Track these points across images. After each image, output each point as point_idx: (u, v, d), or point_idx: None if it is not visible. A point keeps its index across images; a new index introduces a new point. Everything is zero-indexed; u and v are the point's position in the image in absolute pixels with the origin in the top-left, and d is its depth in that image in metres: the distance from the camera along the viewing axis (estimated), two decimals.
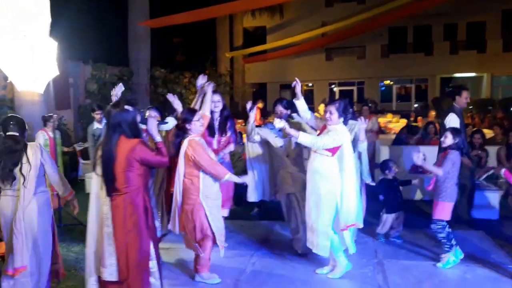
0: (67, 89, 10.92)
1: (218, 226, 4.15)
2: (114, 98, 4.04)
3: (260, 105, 13.92)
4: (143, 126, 3.63)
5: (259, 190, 5.09)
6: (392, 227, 5.34)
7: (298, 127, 4.72)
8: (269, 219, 6.31)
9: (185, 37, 23.54)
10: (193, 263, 4.37)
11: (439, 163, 4.63)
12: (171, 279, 4.35)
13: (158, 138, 3.46)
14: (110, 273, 3.35)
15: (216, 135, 4.92)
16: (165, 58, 18.63)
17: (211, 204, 4.11)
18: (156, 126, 3.53)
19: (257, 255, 5.01)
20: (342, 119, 4.19)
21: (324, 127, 4.29)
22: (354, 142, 4.72)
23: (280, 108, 4.84)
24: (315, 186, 4.22)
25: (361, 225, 4.51)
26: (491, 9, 24.22)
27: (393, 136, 10.03)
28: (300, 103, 4.62)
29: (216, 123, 4.93)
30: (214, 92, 4.84)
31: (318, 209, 4.19)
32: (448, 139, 4.59)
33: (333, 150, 4.14)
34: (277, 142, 4.78)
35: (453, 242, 4.51)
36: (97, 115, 7.18)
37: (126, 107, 3.33)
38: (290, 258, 4.86)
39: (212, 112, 4.76)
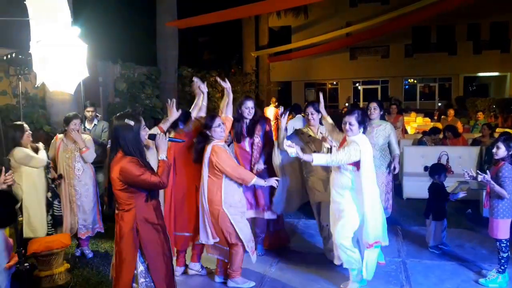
0: (96, 88, 11.20)
1: (244, 232, 4.13)
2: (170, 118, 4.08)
3: (273, 104, 14.01)
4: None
5: (283, 203, 4.90)
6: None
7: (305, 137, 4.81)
8: (292, 218, 6.39)
9: (211, 36, 23.77)
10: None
11: (492, 175, 4.13)
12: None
13: (162, 156, 3.20)
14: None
15: (247, 138, 4.79)
16: (191, 57, 18.86)
17: (234, 212, 4.10)
18: (165, 142, 3.26)
19: (281, 253, 5.09)
20: (362, 129, 4.00)
21: (345, 139, 4.11)
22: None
23: (311, 110, 4.78)
24: (338, 201, 4.05)
25: (386, 243, 4.13)
26: None
27: (416, 136, 10.01)
28: (327, 120, 4.67)
29: (245, 126, 4.79)
30: (248, 98, 4.81)
31: (342, 224, 4.00)
32: (501, 151, 4.10)
33: (356, 164, 3.91)
34: (311, 147, 4.75)
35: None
36: (88, 112, 6.53)
37: (127, 121, 3.08)
38: (314, 257, 4.96)
39: (244, 118, 4.73)
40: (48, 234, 4.89)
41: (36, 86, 5.52)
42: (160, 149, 3.22)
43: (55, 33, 5.52)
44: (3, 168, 3.47)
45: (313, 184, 4.77)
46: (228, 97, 4.45)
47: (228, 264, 4.26)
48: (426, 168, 5.38)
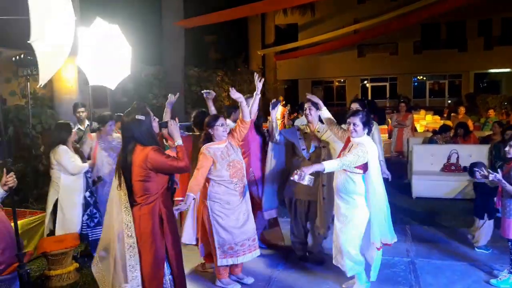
0: (104, 88, 11.26)
1: (219, 235, 4.01)
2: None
3: (281, 103, 13.96)
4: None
5: (274, 200, 4.83)
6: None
7: (308, 136, 4.65)
8: None
9: (217, 35, 23.74)
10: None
11: (504, 174, 4.04)
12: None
13: (179, 142, 3.31)
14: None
15: (259, 136, 4.87)
16: (197, 56, 18.86)
17: (219, 211, 3.99)
18: (177, 128, 3.37)
19: (288, 253, 5.05)
20: (366, 130, 3.93)
21: (348, 140, 4.03)
22: None
23: (309, 105, 4.61)
24: (344, 206, 3.93)
25: (395, 240, 4.06)
26: None
27: (426, 134, 9.93)
28: (324, 113, 4.44)
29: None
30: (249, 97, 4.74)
31: (348, 230, 3.92)
32: None
33: (363, 167, 3.84)
34: (301, 144, 4.61)
35: None
36: (78, 113, 6.52)
37: (138, 116, 3.20)
38: (322, 257, 4.91)
39: None
40: (82, 234, 4.89)
41: (39, 85, 5.53)
42: (174, 135, 3.33)
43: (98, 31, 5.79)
44: (5, 170, 3.46)
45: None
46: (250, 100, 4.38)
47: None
48: (465, 168, 5.24)
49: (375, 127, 5.19)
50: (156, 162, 3.11)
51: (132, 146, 3.17)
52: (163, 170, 3.16)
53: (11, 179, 3.31)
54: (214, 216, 3.99)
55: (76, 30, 6.54)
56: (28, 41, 3.49)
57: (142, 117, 3.20)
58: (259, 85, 4.30)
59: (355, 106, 4.96)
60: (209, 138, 4.07)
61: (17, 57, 6.69)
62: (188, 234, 4.15)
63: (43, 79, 3.73)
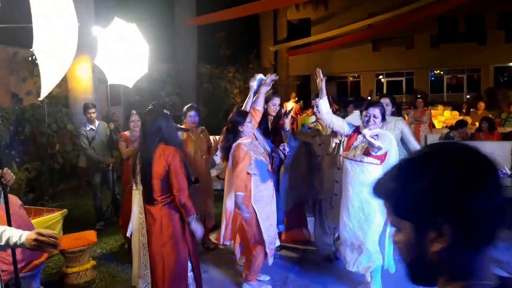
0: (117, 86, 11.31)
1: (269, 234, 3.97)
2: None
3: (293, 99, 13.88)
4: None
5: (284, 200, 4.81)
6: None
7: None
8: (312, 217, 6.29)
9: (229, 31, 23.68)
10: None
11: None
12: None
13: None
14: (145, 285, 3.31)
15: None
16: (209, 53, 18.84)
17: (262, 209, 3.94)
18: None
19: (304, 253, 5.03)
20: (382, 123, 3.87)
21: (355, 134, 3.95)
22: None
23: (317, 102, 4.46)
24: (364, 201, 3.77)
25: None
26: None
27: (444, 130, 9.75)
28: (324, 103, 4.05)
29: (268, 123, 4.74)
30: (276, 94, 4.74)
31: (368, 227, 3.78)
32: None
33: (382, 158, 3.74)
34: (316, 141, 4.58)
35: None
36: (89, 114, 6.51)
37: (165, 111, 3.21)
38: (335, 257, 4.84)
39: (269, 114, 4.68)
40: None
41: (39, 99, 5.51)
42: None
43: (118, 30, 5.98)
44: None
45: (318, 182, 4.66)
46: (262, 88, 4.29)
47: (246, 266, 4.13)
48: None
49: (403, 122, 5.01)
50: (173, 166, 3.09)
51: (155, 145, 3.14)
52: (173, 176, 3.10)
53: (9, 176, 2.70)
54: (261, 214, 3.91)
55: (91, 30, 6.66)
56: (31, 49, 3.46)
57: (168, 112, 3.24)
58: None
59: (385, 101, 4.86)
60: (235, 135, 4.00)
61: (33, 57, 6.72)
62: (225, 234, 4.04)
63: (44, 93, 3.65)
